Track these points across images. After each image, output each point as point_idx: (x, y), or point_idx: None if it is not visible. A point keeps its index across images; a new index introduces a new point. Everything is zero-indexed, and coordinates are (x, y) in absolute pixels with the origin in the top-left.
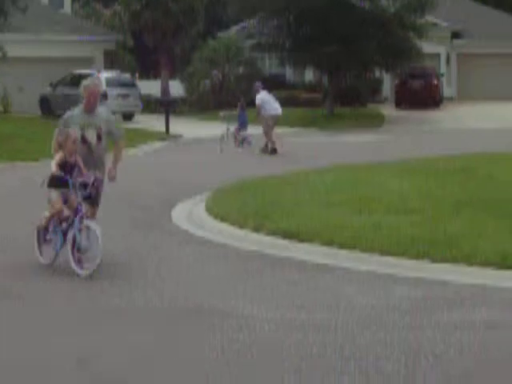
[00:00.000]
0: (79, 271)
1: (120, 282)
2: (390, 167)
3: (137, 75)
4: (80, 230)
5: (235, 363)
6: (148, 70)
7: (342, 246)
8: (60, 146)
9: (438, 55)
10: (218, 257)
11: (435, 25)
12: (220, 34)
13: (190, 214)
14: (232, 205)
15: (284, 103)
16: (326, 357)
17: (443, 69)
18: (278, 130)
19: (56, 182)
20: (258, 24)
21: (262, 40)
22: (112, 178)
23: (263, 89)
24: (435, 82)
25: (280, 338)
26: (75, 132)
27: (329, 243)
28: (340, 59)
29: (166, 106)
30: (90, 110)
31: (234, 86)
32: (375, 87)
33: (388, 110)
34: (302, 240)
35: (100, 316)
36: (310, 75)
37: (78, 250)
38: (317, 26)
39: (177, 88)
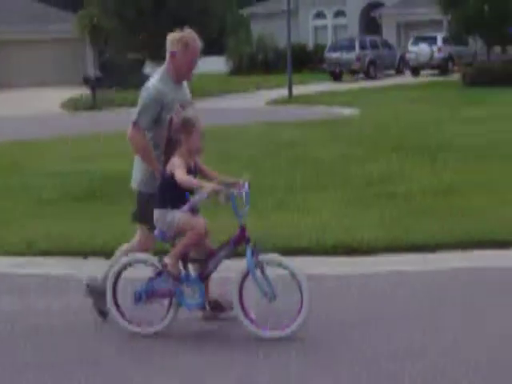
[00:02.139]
0: (265, 332)
1: None
2: None
3: None
4: (258, 267)
5: None
6: None
7: None
8: (171, 142)
9: None
10: None
11: None
12: None
13: None
14: None
15: None
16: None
17: None
18: None
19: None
20: None
21: None
22: None
23: None
24: None
25: None
26: (199, 119)
27: None
28: None
29: None
30: (182, 79)
31: None
32: None
33: None
34: None
35: None
36: None
37: (269, 299)
38: None
39: None
